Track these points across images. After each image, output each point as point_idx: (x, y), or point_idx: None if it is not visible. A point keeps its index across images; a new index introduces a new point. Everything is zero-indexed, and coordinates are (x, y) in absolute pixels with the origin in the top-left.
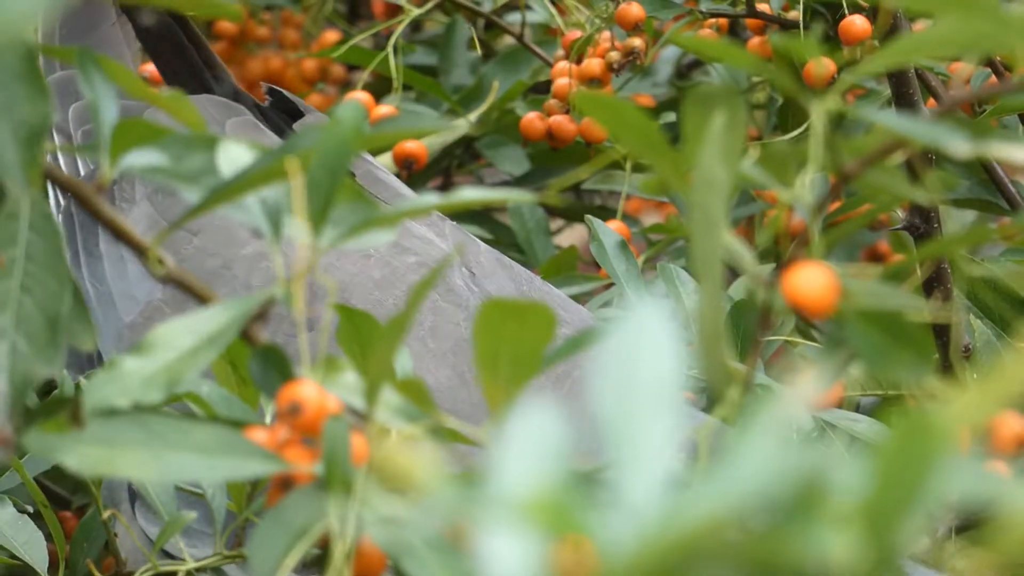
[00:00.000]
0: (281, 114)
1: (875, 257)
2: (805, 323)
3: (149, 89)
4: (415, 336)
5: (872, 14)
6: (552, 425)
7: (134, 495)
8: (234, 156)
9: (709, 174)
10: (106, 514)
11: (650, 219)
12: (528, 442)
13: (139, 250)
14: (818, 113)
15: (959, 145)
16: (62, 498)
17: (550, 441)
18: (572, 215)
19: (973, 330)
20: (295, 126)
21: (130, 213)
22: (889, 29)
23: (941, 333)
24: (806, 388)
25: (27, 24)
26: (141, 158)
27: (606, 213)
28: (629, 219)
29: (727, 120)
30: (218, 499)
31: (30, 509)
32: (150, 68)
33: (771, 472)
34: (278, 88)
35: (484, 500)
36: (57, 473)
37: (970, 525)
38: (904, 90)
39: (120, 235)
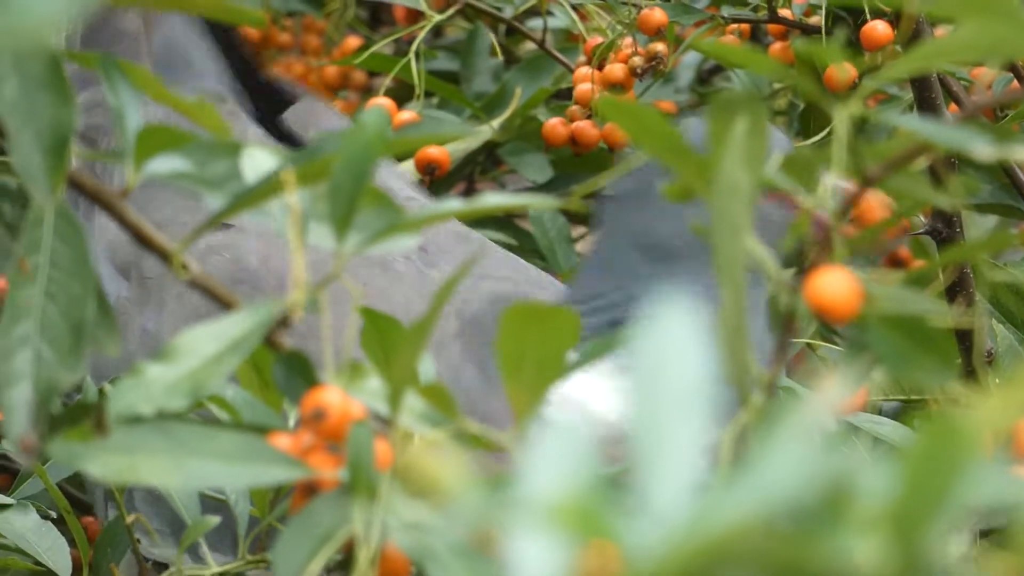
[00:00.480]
0: (270, 100)
1: (896, 262)
2: (826, 327)
3: (172, 95)
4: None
5: (894, 19)
6: (579, 430)
7: (107, 499)
8: (258, 162)
9: (732, 179)
10: (130, 519)
11: None
12: (555, 446)
13: (164, 255)
14: (841, 118)
15: (983, 149)
16: (85, 504)
17: (577, 445)
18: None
19: (995, 335)
20: (288, 113)
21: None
22: (911, 34)
23: (963, 338)
24: (831, 392)
25: (51, 30)
26: (165, 164)
27: None
28: None
29: (750, 125)
30: (241, 505)
31: (53, 515)
32: None
33: (798, 477)
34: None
35: (511, 504)
36: (80, 479)
37: (993, 530)
38: (926, 95)
39: (144, 241)
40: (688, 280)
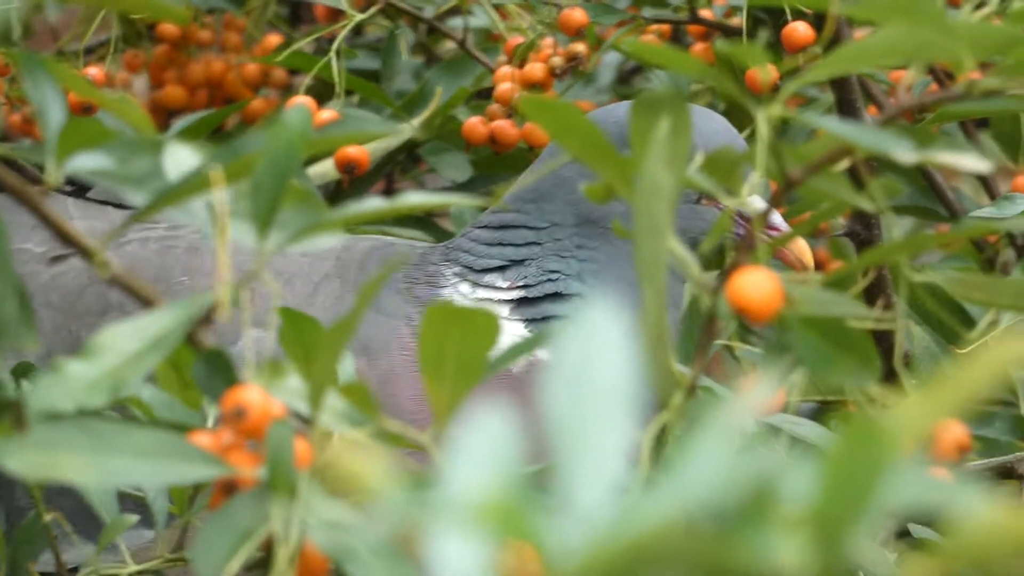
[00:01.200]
0: None
1: (814, 264)
2: (744, 328)
3: (96, 91)
4: None
5: (815, 21)
6: (502, 430)
7: None
8: (180, 159)
9: (654, 179)
10: (48, 517)
11: None
12: (477, 446)
13: (85, 253)
14: (763, 119)
15: (905, 152)
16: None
17: (500, 446)
18: None
19: (913, 337)
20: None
21: None
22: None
23: (881, 340)
24: (751, 393)
25: None
26: (87, 161)
27: None
28: None
29: (672, 126)
30: (159, 502)
31: None
32: (93, 71)
33: (720, 477)
34: None
35: (432, 504)
36: None
37: (908, 531)
38: (847, 97)
39: (66, 238)
40: (606, 262)
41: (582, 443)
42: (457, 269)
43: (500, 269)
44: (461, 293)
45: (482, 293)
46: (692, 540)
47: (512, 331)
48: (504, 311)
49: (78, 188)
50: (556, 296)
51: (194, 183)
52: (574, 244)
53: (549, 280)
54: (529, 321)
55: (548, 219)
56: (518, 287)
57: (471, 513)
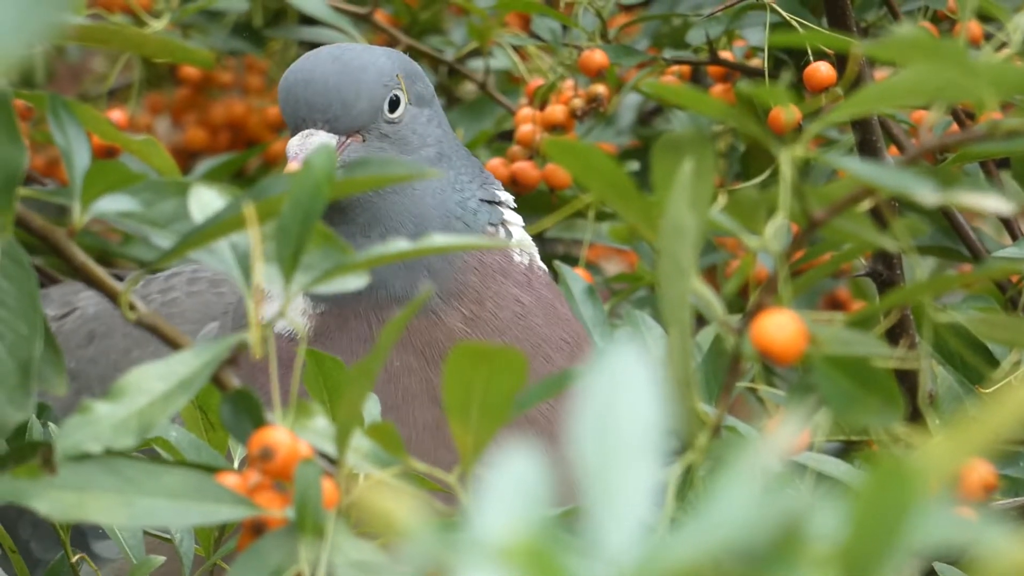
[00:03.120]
0: None
1: (835, 304)
2: (767, 369)
3: (120, 134)
4: None
5: (837, 61)
6: (530, 470)
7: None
8: (205, 201)
9: (678, 220)
10: (75, 558)
11: (612, 267)
12: (506, 487)
13: (111, 296)
14: (786, 160)
15: (928, 193)
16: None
17: (528, 486)
18: None
19: (936, 377)
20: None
21: None
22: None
23: (904, 380)
24: (777, 433)
25: (6, 70)
26: (112, 203)
27: (569, 261)
28: (592, 267)
29: (696, 167)
30: (186, 543)
31: None
32: (117, 114)
33: (749, 517)
34: None
35: (462, 545)
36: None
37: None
38: (868, 137)
39: (92, 281)
40: None
41: (610, 483)
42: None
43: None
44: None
45: None
46: None
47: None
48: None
49: None
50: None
51: (220, 225)
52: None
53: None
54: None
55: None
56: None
57: (499, 553)
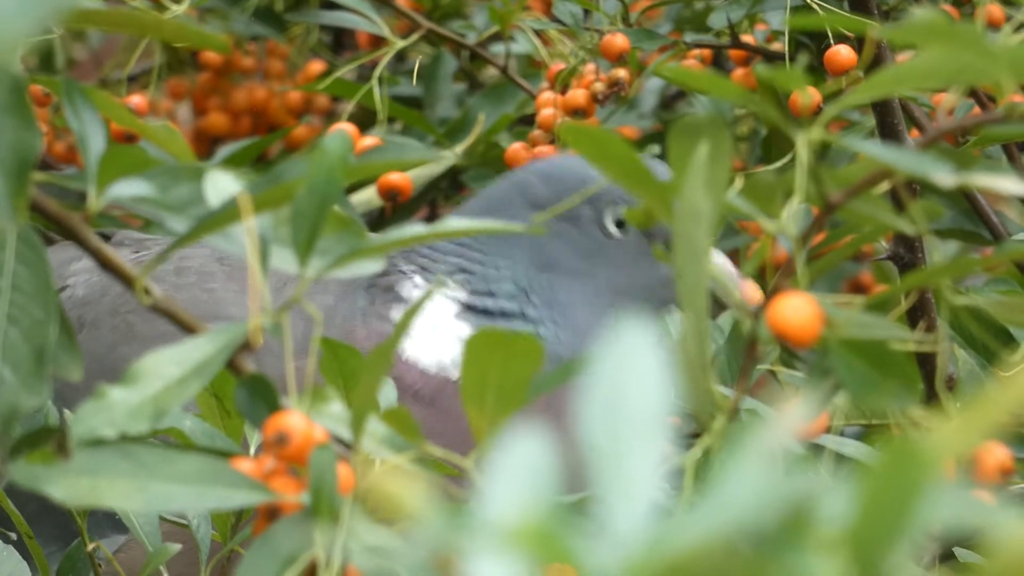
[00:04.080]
0: None
1: (858, 288)
2: (788, 352)
3: (136, 119)
4: None
5: (857, 44)
6: (539, 454)
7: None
8: (221, 186)
9: (694, 204)
10: (91, 546)
11: None
12: (515, 470)
13: (127, 280)
14: (803, 143)
15: (945, 175)
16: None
17: (537, 470)
18: None
19: (957, 360)
20: None
21: None
22: (873, 59)
23: (924, 363)
24: (793, 416)
25: (13, 53)
26: (128, 188)
27: None
28: None
29: (712, 150)
30: (203, 529)
31: (14, 537)
32: (136, 99)
33: (758, 499)
34: None
35: (471, 528)
36: None
37: (952, 554)
38: (889, 120)
39: (107, 265)
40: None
41: (619, 466)
42: (414, 267)
43: (455, 272)
44: (415, 284)
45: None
46: (729, 561)
47: (458, 331)
48: (454, 309)
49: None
50: (503, 315)
51: (235, 210)
52: (526, 275)
53: (496, 295)
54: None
55: (504, 253)
56: (470, 292)
57: (509, 536)
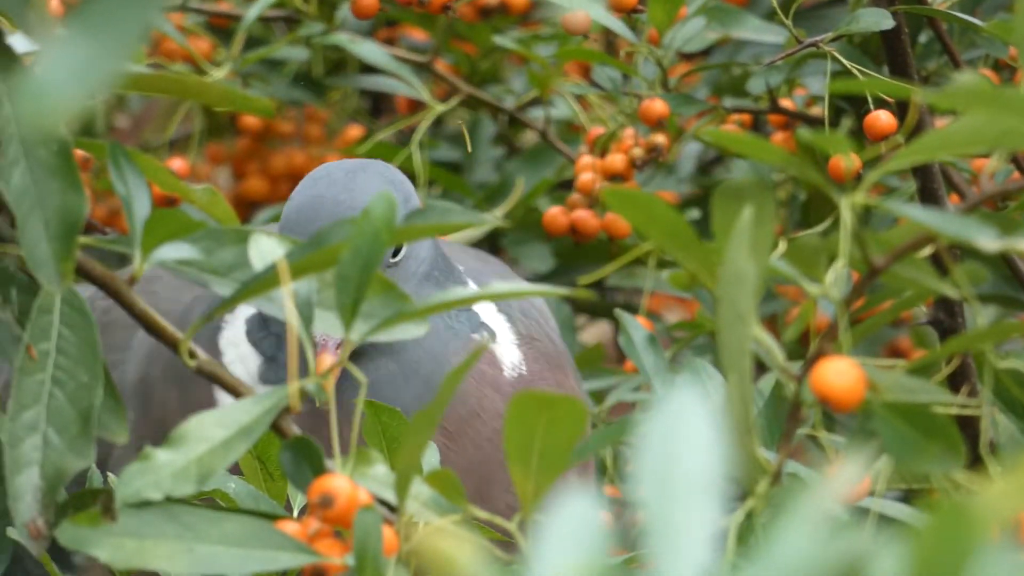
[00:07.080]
0: None
1: (896, 353)
2: (828, 416)
3: (180, 183)
4: None
5: (897, 110)
6: (589, 516)
7: None
8: (265, 250)
9: (738, 267)
10: None
11: (672, 316)
12: (564, 531)
13: (171, 344)
14: (847, 207)
15: (990, 240)
16: None
17: (588, 531)
18: (597, 311)
19: (996, 424)
20: None
21: None
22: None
23: (965, 427)
24: (839, 479)
25: (61, 118)
26: (173, 252)
27: (629, 310)
28: (652, 315)
29: (756, 214)
30: None
31: None
32: (177, 163)
33: (810, 561)
34: None
35: None
36: None
37: None
38: (929, 185)
39: (152, 329)
40: None
41: (671, 527)
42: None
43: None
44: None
45: None
46: None
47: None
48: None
49: None
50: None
51: (278, 274)
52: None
53: None
54: None
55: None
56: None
57: None
